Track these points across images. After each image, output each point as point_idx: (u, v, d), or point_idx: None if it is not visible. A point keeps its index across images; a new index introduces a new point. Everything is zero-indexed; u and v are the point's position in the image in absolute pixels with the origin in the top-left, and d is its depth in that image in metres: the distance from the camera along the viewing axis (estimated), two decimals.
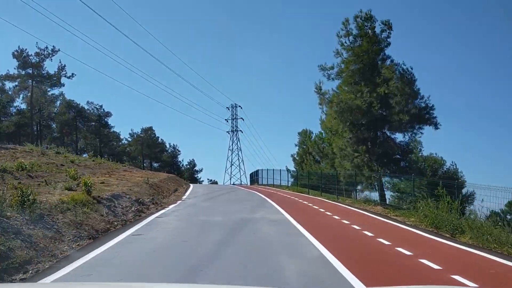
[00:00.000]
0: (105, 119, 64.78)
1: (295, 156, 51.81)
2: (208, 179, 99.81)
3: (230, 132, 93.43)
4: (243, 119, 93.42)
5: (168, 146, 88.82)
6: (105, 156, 77.21)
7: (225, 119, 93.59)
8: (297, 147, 51.64)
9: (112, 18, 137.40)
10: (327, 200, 21.94)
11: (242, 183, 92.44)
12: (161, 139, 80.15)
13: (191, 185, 36.11)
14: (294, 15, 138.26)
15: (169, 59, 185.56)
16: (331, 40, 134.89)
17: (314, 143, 40.44)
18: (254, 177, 48.22)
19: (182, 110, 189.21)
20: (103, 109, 63.53)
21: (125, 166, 40.15)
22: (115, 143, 72.01)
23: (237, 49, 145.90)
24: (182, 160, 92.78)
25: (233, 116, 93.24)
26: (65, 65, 47.04)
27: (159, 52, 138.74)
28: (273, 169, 37.46)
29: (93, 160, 27.16)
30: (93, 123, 63.23)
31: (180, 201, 17.78)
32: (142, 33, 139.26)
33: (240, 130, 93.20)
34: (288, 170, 47.43)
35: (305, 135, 51.40)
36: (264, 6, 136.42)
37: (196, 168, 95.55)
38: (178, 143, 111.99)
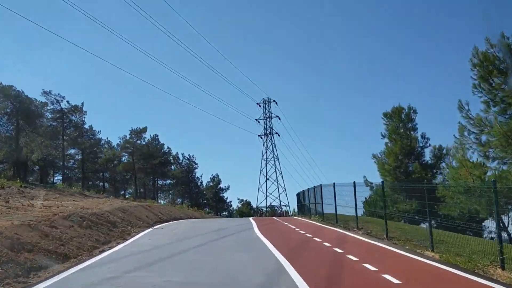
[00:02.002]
0: (72, 117, 43.18)
1: (381, 156, 27.05)
2: (238, 200, 77.39)
3: (263, 136, 70.24)
4: (279, 118, 70.10)
5: (181, 157, 66.88)
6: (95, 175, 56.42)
7: (256, 119, 70.65)
8: (386, 139, 27.04)
9: None
10: None
11: (283, 206, 68.66)
12: (168, 147, 57.89)
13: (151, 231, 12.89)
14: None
15: (175, 27, 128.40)
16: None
17: None
18: (307, 201, 24.12)
19: (196, 103, 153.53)
20: (67, 101, 41.98)
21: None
22: (103, 155, 50.24)
23: (272, 25, 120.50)
24: (201, 176, 70.33)
25: (265, 114, 70.18)
26: None
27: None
28: (353, 184, 13.39)
29: None
30: (53, 124, 41.67)
31: None
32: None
33: (276, 133, 69.87)
34: (369, 184, 23.72)
35: (398, 116, 26.76)
36: None
37: (221, 185, 73.03)
38: (195, 153, 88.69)
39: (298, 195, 30.24)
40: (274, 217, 28.29)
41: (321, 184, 18.25)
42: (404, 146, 25.43)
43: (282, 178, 68.80)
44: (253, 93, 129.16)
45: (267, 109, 70.06)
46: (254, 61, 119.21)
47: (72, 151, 50.30)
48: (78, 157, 50.56)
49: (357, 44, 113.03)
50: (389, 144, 27.15)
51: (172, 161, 61.22)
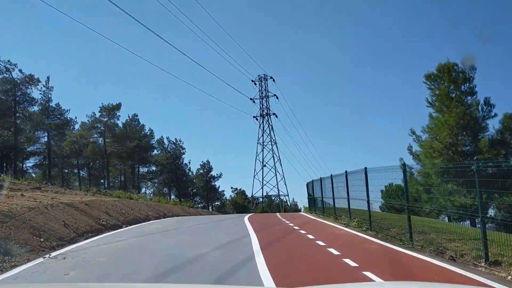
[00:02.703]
0: (28, 90, 35.40)
1: (426, 132, 19.60)
2: (231, 188, 70.32)
3: (258, 118, 62.57)
4: (277, 97, 62.33)
5: (166, 142, 59.28)
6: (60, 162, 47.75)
7: (251, 98, 62.81)
8: (432, 108, 19.57)
9: None
10: None
11: (281, 195, 60.94)
12: (149, 130, 50.25)
13: None
14: None
15: None
16: None
17: None
18: (327, 194, 16.60)
19: (183, 76, 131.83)
20: (20, 70, 34.10)
21: None
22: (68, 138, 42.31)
23: None
24: (189, 163, 62.90)
25: (262, 93, 62.33)
26: None
27: None
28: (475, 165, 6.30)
29: None
30: (2, 97, 33.93)
31: None
32: None
33: (274, 114, 62.19)
34: (407, 168, 15.33)
35: (448, 75, 19.19)
36: None
37: (213, 173, 65.78)
38: (182, 137, 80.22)
39: (309, 185, 22.85)
40: (278, 215, 20.91)
41: (365, 168, 10.79)
42: (462, 116, 17.91)
43: (281, 164, 61.48)
44: (248, 69, 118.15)
45: (264, 87, 62.36)
46: (250, 30, 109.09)
47: (37, 133, 42.66)
48: (44, 140, 42.95)
49: (372, 8, 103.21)
50: (433, 115, 19.66)
51: (155, 145, 53.49)
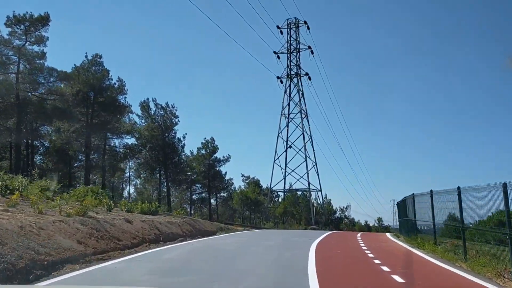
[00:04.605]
0: None
1: None
2: (242, 176, 53.88)
3: (284, 79, 44.37)
4: (312, 52, 43.90)
5: (152, 106, 42.16)
6: None
7: (275, 52, 44.54)
8: None
9: None
10: None
11: (312, 189, 41.91)
12: (118, 80, 32.89)
13: None
14: None
15: None
16: None
17: None
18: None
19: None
20: None
21: None
22: None
23: None
24: (184, 137, 45.30)
25: (290, 44, 43.97)
26: None
27: None
28: None
29: None
30: None
31: None
32: None
33: (306, 74, 43.85)
34: None
35: None
36: None
37: (218, 155, 48.80)
38: (175, 102, 61.46)
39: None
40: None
41: None
42: None
43: (312, 146, 43.62)
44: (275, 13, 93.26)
45: (294, 36, 44.02)
46: None
47: None
48: None
49: None
50: None
51: (127, 105, 35.49)
